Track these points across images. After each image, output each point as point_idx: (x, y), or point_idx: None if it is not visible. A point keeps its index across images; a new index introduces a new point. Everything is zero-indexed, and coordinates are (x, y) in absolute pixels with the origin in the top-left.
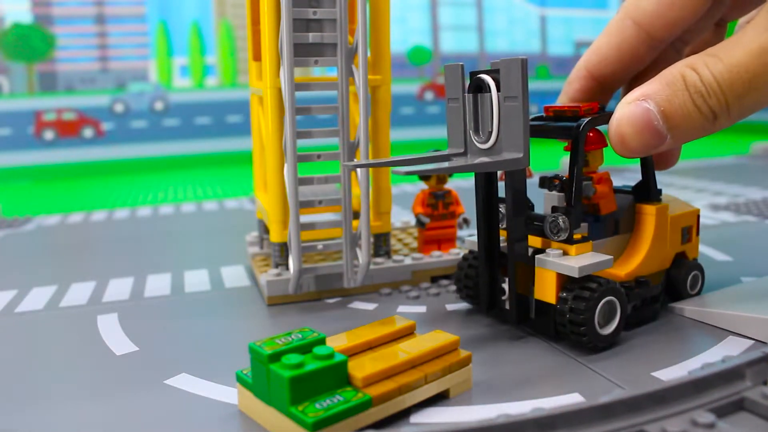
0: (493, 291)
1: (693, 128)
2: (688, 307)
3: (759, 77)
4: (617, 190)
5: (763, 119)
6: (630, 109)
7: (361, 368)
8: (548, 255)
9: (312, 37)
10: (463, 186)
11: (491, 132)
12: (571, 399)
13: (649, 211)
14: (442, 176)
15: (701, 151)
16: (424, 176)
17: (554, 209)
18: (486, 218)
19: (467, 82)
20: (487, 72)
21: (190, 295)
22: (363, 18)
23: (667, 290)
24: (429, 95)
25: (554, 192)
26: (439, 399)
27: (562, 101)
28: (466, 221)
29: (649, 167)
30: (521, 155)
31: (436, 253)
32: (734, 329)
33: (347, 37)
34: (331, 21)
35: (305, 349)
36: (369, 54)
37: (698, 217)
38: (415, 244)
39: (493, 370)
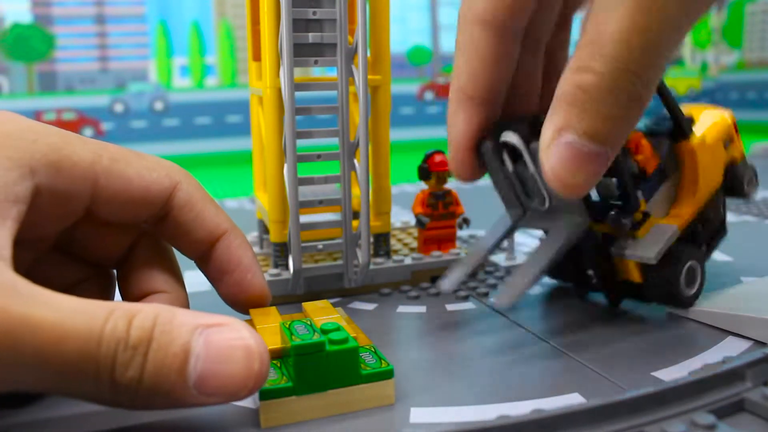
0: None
1: (624, 125)
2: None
3: (648, 32)
4: (651, 133)
5: (763, 119)
6: (554, 153)
7: None
8: (621, 247)
9: (312, 37)
10: (463, 187)
11: (544, 197)
12: (571, 399)
13: (689, 148)
14: (442, 176)
15: None
16: (424, 176)
17: (609, 208)
18: None
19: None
20: (509, 126)
21: (190, 296)
22: (363, 18)
23: (730, 192)
24: (429, 95)
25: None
26: (439, 399)
27: (453, 139)
28: (465, 221)
29: (672, 106)
30: (582, 219)
31: (436, 253)
32: (734, 329)
33: (347, 37)
34: (331, 21)
35: (312, 331)
36: (369, 54)
37: (734, 122)
38: (415, 244)
39: (493, 370)
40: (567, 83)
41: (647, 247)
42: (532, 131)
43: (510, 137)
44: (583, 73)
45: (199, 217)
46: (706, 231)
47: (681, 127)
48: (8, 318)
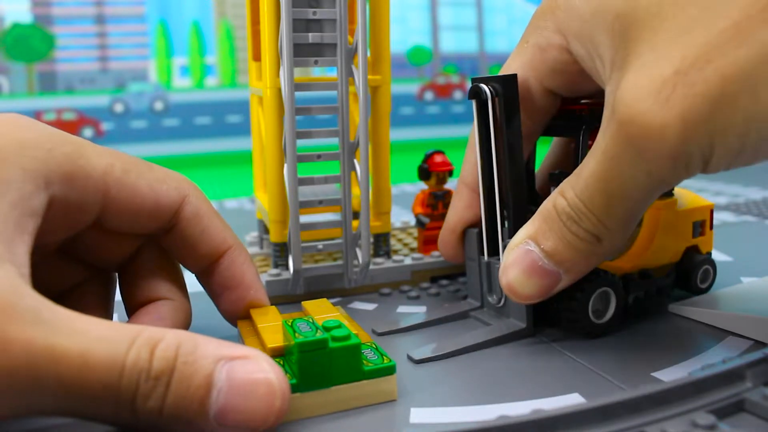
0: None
1: (582, 257)
2: (687, 307)
3: (611, 182)
4: None
5: None
6: (513, 256)
7: None
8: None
9: (312, 37)
10: None
11: (501, 297)
12: (571, 399)
13: (655, 205)
14: (442, 176)
15: None
16: (424, 176)
17: None
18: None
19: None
20: (486, 81)
21: (190, 296)
22: (363, 18)
23: (679, 283)
24: (429, 95)
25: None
26: (439, 399)
27: (447, 220)
28: None
29: None
30: (524, 326)
31: (436, 253)
32: (734, 329)
33: (347, 37)
34: (331, 21)
35: (315, 328)
36: (369, 54)
37: (711, 211)
38: (415, 244)
39: (493, 370)
40: (549, 200)
41: None
42: (505, 88)
43: (481, 84)
44: (560, 197)
45: (206, 232)
46: (642, 282)
47: None
48: (32, 349)
